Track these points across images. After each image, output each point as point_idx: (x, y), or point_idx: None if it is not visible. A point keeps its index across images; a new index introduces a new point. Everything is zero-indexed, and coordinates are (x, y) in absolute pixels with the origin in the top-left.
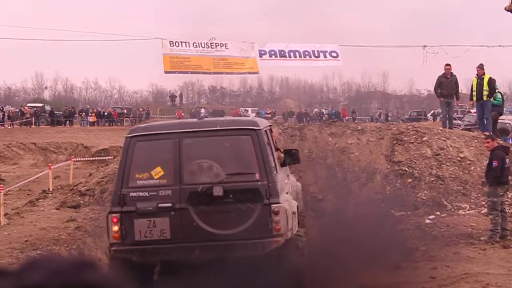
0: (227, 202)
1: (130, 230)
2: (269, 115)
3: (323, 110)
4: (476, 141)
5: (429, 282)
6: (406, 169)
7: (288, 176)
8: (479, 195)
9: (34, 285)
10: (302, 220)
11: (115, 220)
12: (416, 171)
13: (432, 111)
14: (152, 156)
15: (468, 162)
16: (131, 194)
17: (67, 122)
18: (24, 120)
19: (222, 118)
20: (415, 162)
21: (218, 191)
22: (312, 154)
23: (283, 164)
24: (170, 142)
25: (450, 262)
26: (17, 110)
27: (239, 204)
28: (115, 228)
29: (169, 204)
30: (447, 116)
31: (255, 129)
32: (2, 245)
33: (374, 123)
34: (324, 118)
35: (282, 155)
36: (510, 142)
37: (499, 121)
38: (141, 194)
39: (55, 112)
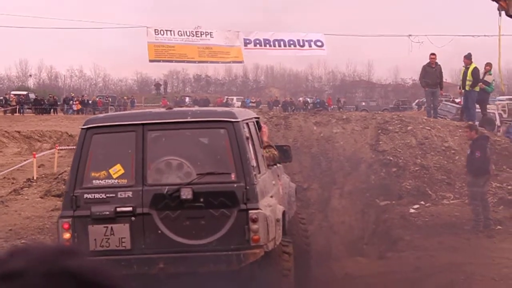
0: (197, 206)
1: (83, 238)
2: (254, 104)
3: (308, 99)
4: (460, 130)
5: (413, 271)
6: (391, 158)
7: (278, 176)
8: (463, 184)
9: (15, 272)
10: (296, 225)
11: (66, 226)
12: (400, 161)
13: (416, 101)
14: (111, 151)
15: (453, 151)
16: (85, 196)
17: (51, 110)
18: (9, 108)
19: (194, 108)
20: (400, 152)
21: (186, 193)
22: (297, 143)
23: (273, 163)
24: (132, 135)
25: (435, 252)
26: (1, 98)
27: (211, 210)
28: (66, 235)
29: (129, 208)
30: (431, 105)
31: (231, 121)
32: None
33: (359, 112)
34: (309, 107)
35: (276, 152)
36: None
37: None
38: (97, 196)
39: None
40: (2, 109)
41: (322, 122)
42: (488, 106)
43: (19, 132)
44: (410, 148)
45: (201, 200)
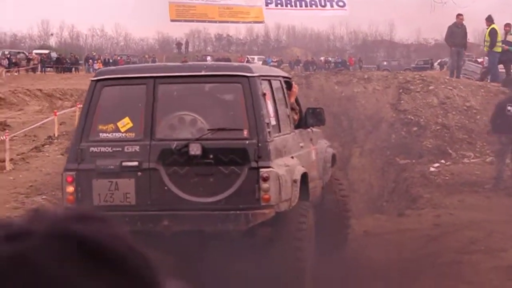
0: (206, 163)
1: (87, 193)
2: (276, 64)
3: (330, 59)
4: (482, 90)
5: (433, 229)
6: (412, 117)
7: (311, 140)
8: (484, 143)
9: (22, 233)
10: (333, 190)
11: (69, 179)
12: (421, 120)
13: (439, 60)
14: (120, 104)
15: (474, 111)
16: (91, 149)
17: (73, 69)
18: (31, 66)
19: (209, 63)
20: (421, 111)
21: (195, 149)
22: (318, 102)
23: (303, 125)
24: (143, 88)
25: (454, 210)
26: (24, 56)
27: (220, 167)
28: (70, 189)
29: (135, 163)
30: (455, 65)
31: (247, 76)
32: (8, 190)
33: (380, 72)
34: (330, 67)
35: (295, 117)
36: None
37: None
38: (103, 149)
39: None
40: (24, 67)
41: (343, 82)
42: None
43: (40, 90)
44: (432, 107)
45: (211, 156)
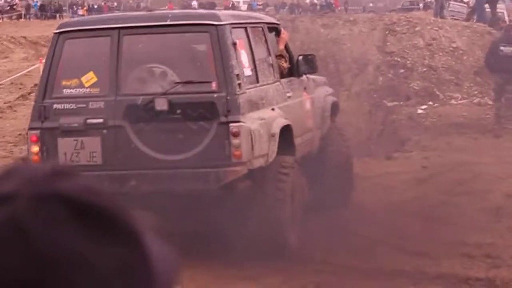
0: (173, 118)
1: (53, 152)
2: (261, 7)
3: (315, 1)
4: (468, 30)
5: (421, 171)
6: (399, 59)
7: (305, 88)
8: (471, 84)
9: (4, 196)
10: (333, 138)
11: (34, 138)
12: (408, 62)
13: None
14: (84, 58)
15: (461, 52)
16: (55, 106)
17: (58, 16)
18: (15, 14)
19: (175, 11)
20: (408, 53)
21: (161, 104)
22: (304, 46)
23: (294, 73)
24: (107, 40)
25: (442, 152)
26: (7, 3)
27: (189, 122)
28: (35, 148)
29: (101, 120)
30: (439, 5)
31: (215, 25)
32: None
33: (366, 14)
34: (316, 9)
35: (284, 64)
36: None
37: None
38: (66, 106)
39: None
40: (8, 15)
41: (329, 24)
42: (498, 6)
43: (25, 37)
44: (418, 49)
45: (178, 111)
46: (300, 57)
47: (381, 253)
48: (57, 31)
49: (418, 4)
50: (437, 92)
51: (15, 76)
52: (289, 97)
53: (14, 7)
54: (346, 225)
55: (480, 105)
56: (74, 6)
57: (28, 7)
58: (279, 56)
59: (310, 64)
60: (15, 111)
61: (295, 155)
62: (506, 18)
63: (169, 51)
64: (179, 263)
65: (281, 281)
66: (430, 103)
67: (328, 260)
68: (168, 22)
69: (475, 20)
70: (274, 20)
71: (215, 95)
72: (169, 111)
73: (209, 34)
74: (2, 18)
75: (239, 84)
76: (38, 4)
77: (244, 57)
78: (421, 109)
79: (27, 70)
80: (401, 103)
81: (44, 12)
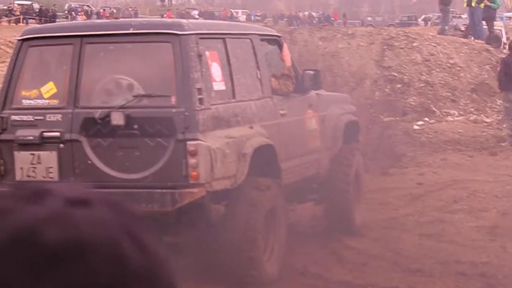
0: (130, 134)
1: (10, 166)
2: (260, 18)
3: (314, 14)
4: (466, 47)
5: (416, 188)
6: (396, 74)
7: (311, 105)
8: (468, 101)
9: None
10: (336, 165)
11: None
12: (405, 77)
13: (423, 16)
14: (46, 67)
15: (458, 68)
16: (13, 117)
17: (55, 21)
18: (13, 18)
19: (140, 19)
20: (405, 68)
21: (117, 118)
22: (302, 58)
23: (299, 90)
24: (70, 48)
25: (437, 169)
26: (5, 7)
27: (146, 138)
28: None
29: (57, 134)
30: (447, 22)
31: (178, 34)
32: None
33: (365, 28)
34: (314, 22)
35: (288, 82)
36: None
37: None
38: (24, 118)
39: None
40: (6, 19)
41: (327, 37)
42: (494, 23)
43: None
44: (415, 64)
45: (135, 126)
46: (305, 73)
47: (375, 269)
48: (21, 37)
49: (416, 19)
50: (434, 108)
51: None
52: (282, 114)
53: (13, 11)
54: (340, 239)
55: (476, 123)
56: (73, 12)
57: (26, 11)
58: (285, 76)
59: (315, 80)
60: None
61: (279, 177)
62: (504, 36)
63: (132, 61)
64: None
65: None
66: (426, 119)
67: (322, 275)
68: (131, 31)
69: (472, 38)
70: (273, 32)
71: (174, 110)
72: (126, 126)
73: (171, 45)
74: (0, 22)
75: (200, 99)
76: (37, 8)
77: (216, 70)
78: (417, 125)
79: None
80: (397, 118)
81: (44, 17)
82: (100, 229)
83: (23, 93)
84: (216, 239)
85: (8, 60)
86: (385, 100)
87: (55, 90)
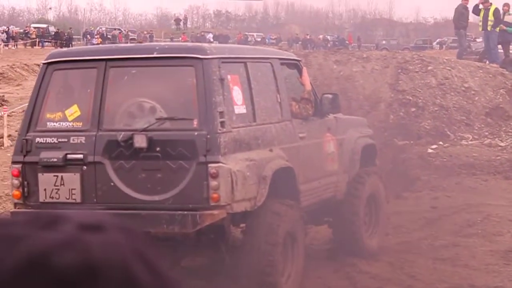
0: (153, 157)
1: (34, 188)
2: (274, 41)
3: (328, 37)
4: (481, 71)
5: (430, 211)
6: (410, 98)
7: (329, 129)
8: (483, 125)
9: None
10: (350, 189)
11: (15, 173)
12: (420, 100)
13: (438, 40)
14: (71, 90)
15: (473, 92)
16: (37, 139)
17: (70, 44)
18: (29, 41)
19: (163, 43)
20: (419, 91)
21: (140, 141)
22: (316, 81)
23: (318, 113)
24: (94, 72)
25: (452, 192)
26: (21, 30)
27: (168, 161)
28: (16, 183)
29: (80, 156)
30: (465, 46)
31: (200, 58)
32: (6, 166)
33: (379, 51)
34: (329, 45)
35: (307, 105)
36: None
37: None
38: (48, 140)
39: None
40: (22, 42)
41: (342, 61)
42: (510, 47)
43: (38, 65)
44: (430, 88)
45: (157, 149)
46: (324, 96)
47: None
48: (46, 61)
49: (431, 43)
50: (448, 132)
51: (27, 103)
52: (301, 137)
53: (29, 34)
54: (354, 263)
55: (490, 146)
56: (88, 35)
57: (42, 35)
58: (305, 100)
59: (333, 103)
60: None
61: (298, 200)
62: None
63: (155, 85)
64: None
65: None
66: (441, 143)
67: None
68: (154, 55)
69: (487, 62)
70: (293, 56)
71: (196, 133)
72: (148, 149)
73: (194, 68)
74: (17, 45)
75: (221, 122)
76: (53, 31)
77: (238, 93)
78: (432, 148)
79: None
80: (412, 142)
81: (59, 40)
82: (112, 253)
83: (48, 115)
84: (234, 262)
85: (24, 83)
86: (399, 123)
87: (79, 113)
